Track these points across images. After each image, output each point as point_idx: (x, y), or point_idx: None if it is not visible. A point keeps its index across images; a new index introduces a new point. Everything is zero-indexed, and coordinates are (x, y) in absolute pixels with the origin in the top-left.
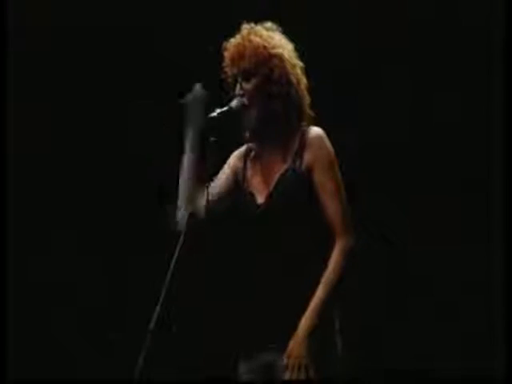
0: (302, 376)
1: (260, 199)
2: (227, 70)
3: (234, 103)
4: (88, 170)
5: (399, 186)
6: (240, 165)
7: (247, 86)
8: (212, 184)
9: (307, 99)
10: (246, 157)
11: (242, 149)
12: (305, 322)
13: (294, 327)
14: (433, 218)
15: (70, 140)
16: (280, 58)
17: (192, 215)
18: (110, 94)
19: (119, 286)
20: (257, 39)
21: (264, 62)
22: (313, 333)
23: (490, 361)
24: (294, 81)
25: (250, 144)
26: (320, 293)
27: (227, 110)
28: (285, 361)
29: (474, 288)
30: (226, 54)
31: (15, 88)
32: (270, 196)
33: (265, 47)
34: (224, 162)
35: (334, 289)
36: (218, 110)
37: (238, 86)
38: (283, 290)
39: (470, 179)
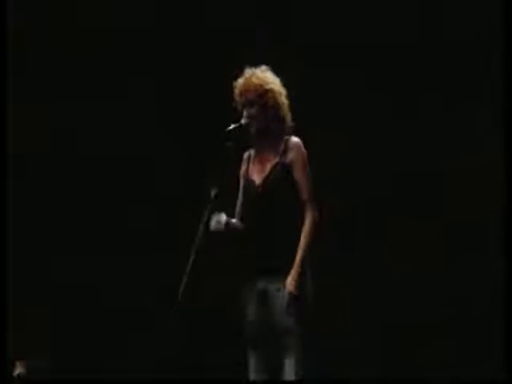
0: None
1: (258, 182)
2: (237, 99)
3: (243, 120)
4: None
5: None
6: (245, 166)
7: (251, 110)
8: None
9: (289, 117)
10: (248, 159)
11: (246, 155)
12: (293, 272)
13: (280, 264)
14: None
15: (70, 140)
16: (272, 91)
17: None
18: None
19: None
20: (256, 80)
21: (262, 95)
22: (299, 278)
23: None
24: (282, 105)
25: (250, 150)
26: (300, 254)
27: (239, 126)
28: (284, 294)
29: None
30: (236, 90)
31: (15, 88)
32: (265, 180)
33: (261, 85)
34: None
35: (308, 249)
36: (232, 126)
37: (245, 111)
38: (273, 239)
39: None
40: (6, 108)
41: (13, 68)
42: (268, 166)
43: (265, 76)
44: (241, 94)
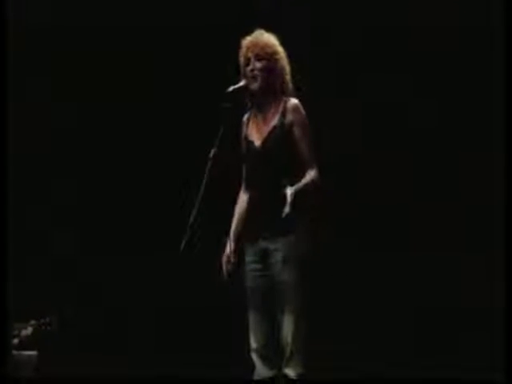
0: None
1: (257, 143)
2: (243, 53)
3: (242, 82)
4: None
5: None
6: (245, 128)
7: (258, 64)
8: None
9: (290, 84)
10: (247, 121)
11: (245, 117)
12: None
13: (278, 223)
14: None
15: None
16: (280, 53)
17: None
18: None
19: None
20: (266, 38)
21: (271, 53)
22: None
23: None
24: (286, 68)
25: (250, 112)
26: (299, 185)
27: (238, 87)
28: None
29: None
30: (245, 43)
31: (15, 88)
32: (264, 141)
33: (271, 44)
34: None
35: (306, 188)
36: (232, 88)
37: (251, 65)
38: (273, 200)
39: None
40: (7, 108)
41: (13, 68)
42: (267, 128)
43: (273, 38)
44: (249, 48)
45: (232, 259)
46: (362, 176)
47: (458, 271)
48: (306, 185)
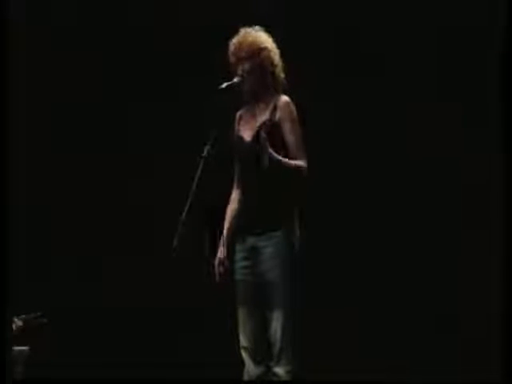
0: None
1: (247, 139)
2: (231, 57)
3: (236, 79)
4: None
5: None
6: (237, 126)
7: (245, 66)
8: None
9: (282, 77)
10: (239, 119)
11: (237, 115)
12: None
13: (267, 220)
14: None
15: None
16: (266, 49)
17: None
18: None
19: None
20: (250, 38)
21: (256, 52)
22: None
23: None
24: (276, 64)
25: (241, 110)
26: (284, 160)
27: (231, 83)
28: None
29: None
30: (231, 48)
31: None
32: (254, 136)
33: (256, 42)
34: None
35: (288, 167)
36: (225, 84)
37: (240, 67)
38: (262, 198)
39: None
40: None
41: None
42: (257, 124)
43: (259, 35)
44: (235, 52)
45: (225, 262)
46: (357, 174)
47: (456, 273)
48: (290, 163)
